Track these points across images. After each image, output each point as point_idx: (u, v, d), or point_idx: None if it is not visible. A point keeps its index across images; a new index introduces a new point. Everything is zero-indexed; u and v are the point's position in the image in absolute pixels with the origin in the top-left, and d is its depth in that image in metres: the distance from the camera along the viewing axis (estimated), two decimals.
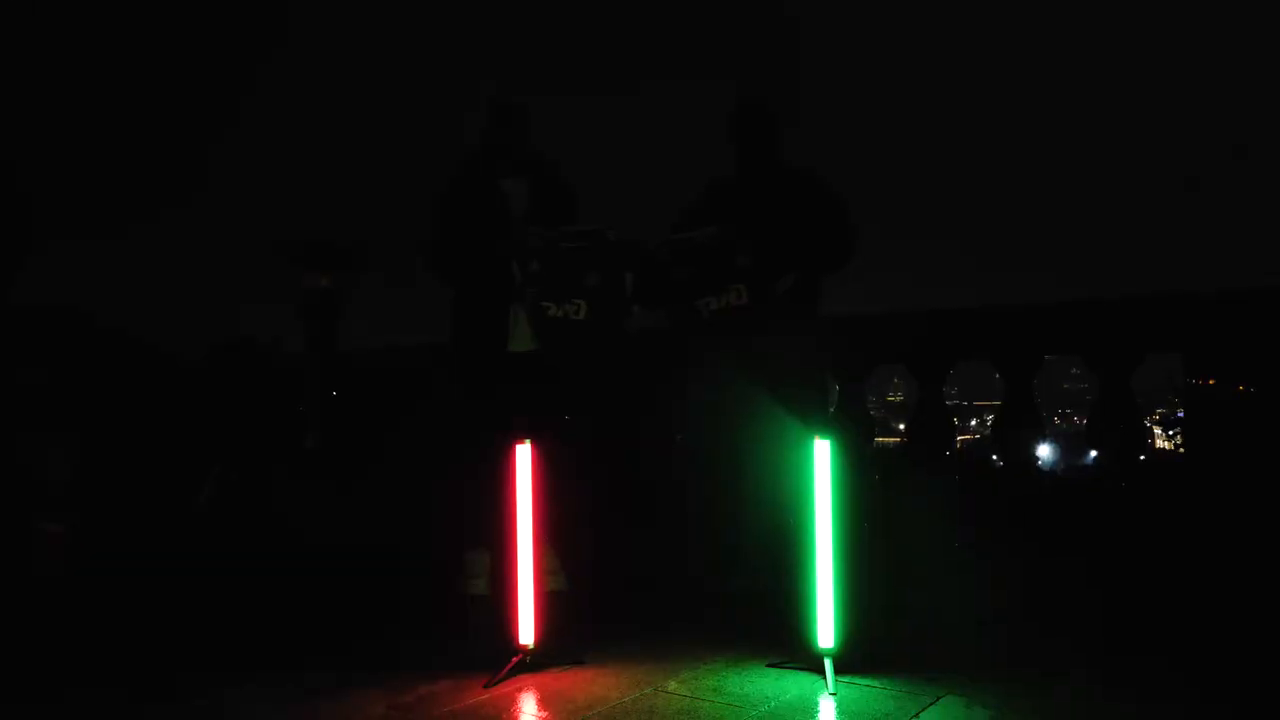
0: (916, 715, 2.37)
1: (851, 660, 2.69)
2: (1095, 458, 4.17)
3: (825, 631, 2.68)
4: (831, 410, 4.37)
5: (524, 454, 2.87)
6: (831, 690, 2.56)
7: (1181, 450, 4.65)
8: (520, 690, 2.66)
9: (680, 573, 3.85)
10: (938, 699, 2.48)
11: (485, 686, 2.66)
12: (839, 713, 2.43)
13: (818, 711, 2.45)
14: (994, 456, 4.37)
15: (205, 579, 3.94)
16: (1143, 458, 3.97)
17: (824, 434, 2.74)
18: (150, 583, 3.83)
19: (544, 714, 2.49)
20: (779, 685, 2.64)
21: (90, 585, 3.90)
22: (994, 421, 4.29)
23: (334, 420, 5.15)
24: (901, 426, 4.62)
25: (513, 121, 3.64)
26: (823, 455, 2.71)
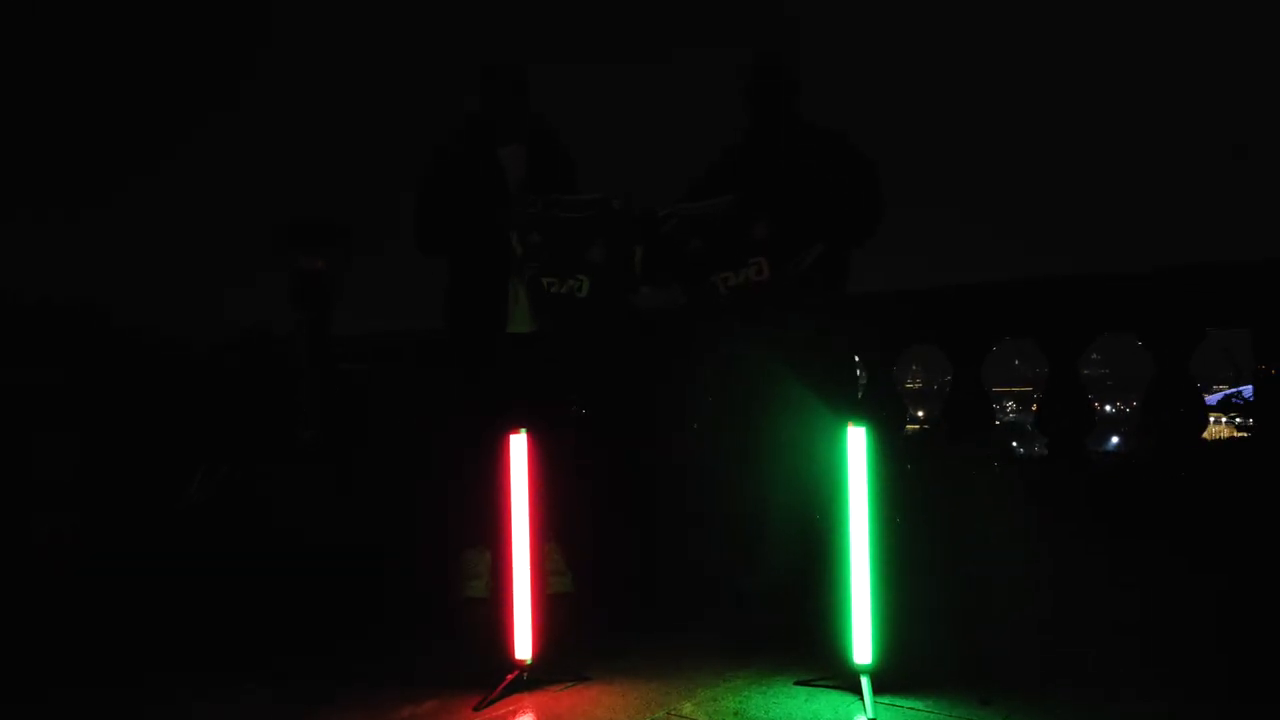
0: None
1: (891, 677, 2.37)
2: (1117, 443, 3.81)
3: (862, 645, 2.36)
4: (859, 396, 4.03)
5: (521, 445, 2.57)
6: (870, 714, 2.24)
7: (1239, 436, 4.28)
8: (515, 713, 2.36)
9: (692, 574, 3.52)
10: None
11: (475, 709, 2.36)
12: None
13: None
14: (1028, 444, 4.02)
15: (206, 579, 3.71)
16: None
17: (858, 422, 2.42)
18: (151, 583, 3.66)
19: None
20: (809, 707, 2.33)
21: (90, 585, 3.71)
22: (1038, 405, 3.93)
23: (332, 414, 4.90)
24: (920, 414, 4.27)
25: (509, 84, 3.35)
26: (857, 445, 2.39)
